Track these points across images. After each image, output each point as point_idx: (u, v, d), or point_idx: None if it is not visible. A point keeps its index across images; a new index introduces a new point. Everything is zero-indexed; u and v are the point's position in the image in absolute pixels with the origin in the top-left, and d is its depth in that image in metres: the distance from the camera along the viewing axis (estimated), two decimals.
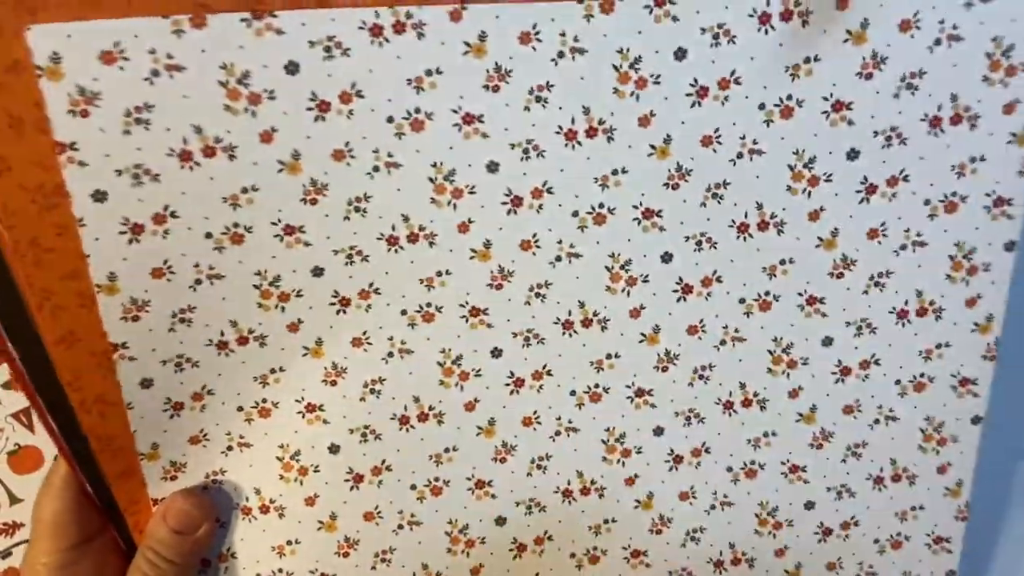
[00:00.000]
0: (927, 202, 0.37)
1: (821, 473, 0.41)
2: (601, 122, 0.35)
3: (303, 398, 0.38)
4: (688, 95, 0.34)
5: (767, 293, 0.37)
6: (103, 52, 0.31)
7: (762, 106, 0.35)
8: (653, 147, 0.35)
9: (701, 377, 0.39)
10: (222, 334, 0.36)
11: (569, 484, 0.40)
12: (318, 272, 0.36)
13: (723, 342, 0.38)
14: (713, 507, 0.41)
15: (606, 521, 0.41)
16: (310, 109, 0.33)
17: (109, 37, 0.30)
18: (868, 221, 0.37)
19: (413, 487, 0.40)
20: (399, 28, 0.32)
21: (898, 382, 0.40)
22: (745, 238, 0.36)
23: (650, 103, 0.34)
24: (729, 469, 0.41)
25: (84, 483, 0.37)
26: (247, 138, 0.33)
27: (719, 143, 0.35)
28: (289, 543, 0.40)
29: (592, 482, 0.40)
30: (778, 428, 0.40)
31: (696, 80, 0.34)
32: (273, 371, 0.37)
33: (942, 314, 0.38)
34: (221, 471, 0.39)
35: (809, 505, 0.42)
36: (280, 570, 0.40)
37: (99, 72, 0.31)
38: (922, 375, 0.40)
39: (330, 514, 0.40)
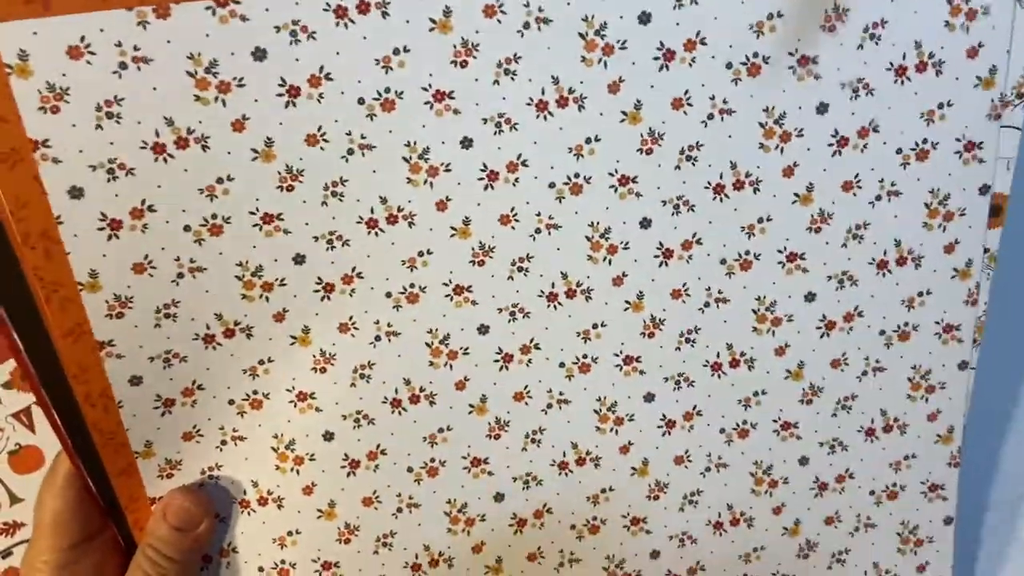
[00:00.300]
0: (899, 151, 0.37)
1: (812, 428, 0.41)
2: (571, 91, 0.35)
3: (294, 387, 0.38)
4: (655, 59, 0.35)
5: (747, 252, 0.38)
6: (70, 47, 0.31)
7: (729, 65, 0.35)
8: (624, 113, 0.35)
9: (688, 340, 0.39)
10: (208, 327, 0.36)
11: (564, 456, 0.40)
12: (300, 259, 0.36)
13: (707, 304, 0.38)
14: (708, 469, 0.41)
15: (603, 490, 0.41)
16: (280, 95, 0.33)
17: (75, 32, 0.30)
18: (842, 174, 0.37)
19: (410, 469, 0.39)
20: (363, 8, 0.32)
21: (882, 332, 0.40)
22: (721, 199, 0.37)
23: (618, 69, 0.34)
24: (722, 431, 0.41)
25: (87, 480, 0.36)
26: (219, 128, 0.33)
27: (689, 105, 0.35)
28: (290, 533, 0.40)
29: (587, 452, 0.40)
30: (767, 386, 0.40)
31: (662, 43, 0.34)
32: (262, 362, 0.37)
33: (921, 262, 0.39)
34: (217, 466, 0.39)
35: (803, 461, 0.42)
36: (282, 561, 0.40)
37: (67, 67, 0.31)
38: (906, 324, 0.40)
39: (328, 502, 0.39)
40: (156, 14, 0.31)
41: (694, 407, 0.40)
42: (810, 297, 0.39)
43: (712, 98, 0.35)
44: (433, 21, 0.33)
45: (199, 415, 0.37)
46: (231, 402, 0.38)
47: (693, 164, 0.36)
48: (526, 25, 0.33)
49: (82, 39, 0.31)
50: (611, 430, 0.40)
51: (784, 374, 0.40)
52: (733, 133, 0.36)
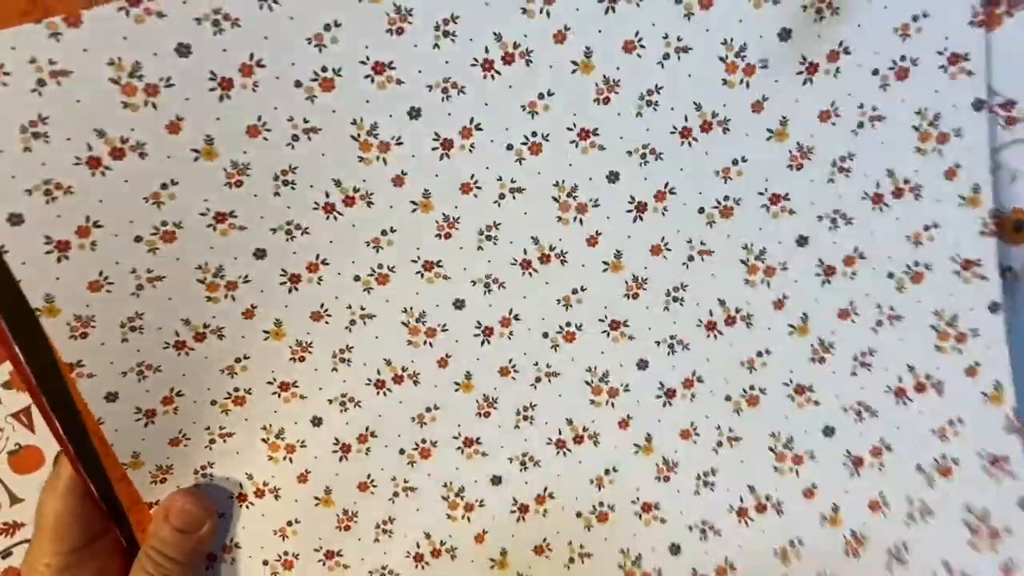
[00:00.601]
0: (875, 72, 0.34)
1: (831, 392, 0.38)
2: (516, 46, 0.33)
3: (275, 379, 0.37)
4: (600, 2, 0.32)
5: (726, 198, 0.36)
6: None
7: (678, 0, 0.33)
8: (575, 63, 0.33)
9: (675, 299, 0.37)
10: (177, 334, 0.35)
11: (560, 433, 0.39)
12: (260, 254, 0.35)
13: (690, 258, 0.37)
14: (720, 444, 0.39)
15: (607, 471, 0.39)
16: (212, 90, 0.31)
17: None
18: (817, 103, 0.34)
19: (402, 451, 0.39)
20: None
21: (891, 275, 0.37)
22: (690, 143, 0.35)
23: (562, 18, 0.32)
24: (728, 398, 0.38)
25: (88, 485, 0.36)
26: (154, 132, 0.31)
27: (642, 47, 0.33)
28: (290, 524, 0.39)
29: (584, 429, 0.39)
30: (771, 345, 0.38)
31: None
32: (238, 360, 0.36)
33: (921, 191, 0.36)
34: (209, 464, 0.38)
35: (828, 431, 0.38)
36: (286, 552, 0.40)
37: None
38: (916, 263, 0.37)
39: (324, 488, 0.39)
40: (67, 23, 0.29)
41: (693, 373, 0.38)
42: (802, 241, 0.36)
43: (665, 37, 0.33)
44: None
45: (183, 420, 0.37)
46: (213, 403, 0.37)
47: (655, 109, 0.34)
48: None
49: None
50: (606, 403, 0.38)
51: (788, 329, 0.37)
52: (693, 72, 0.34)
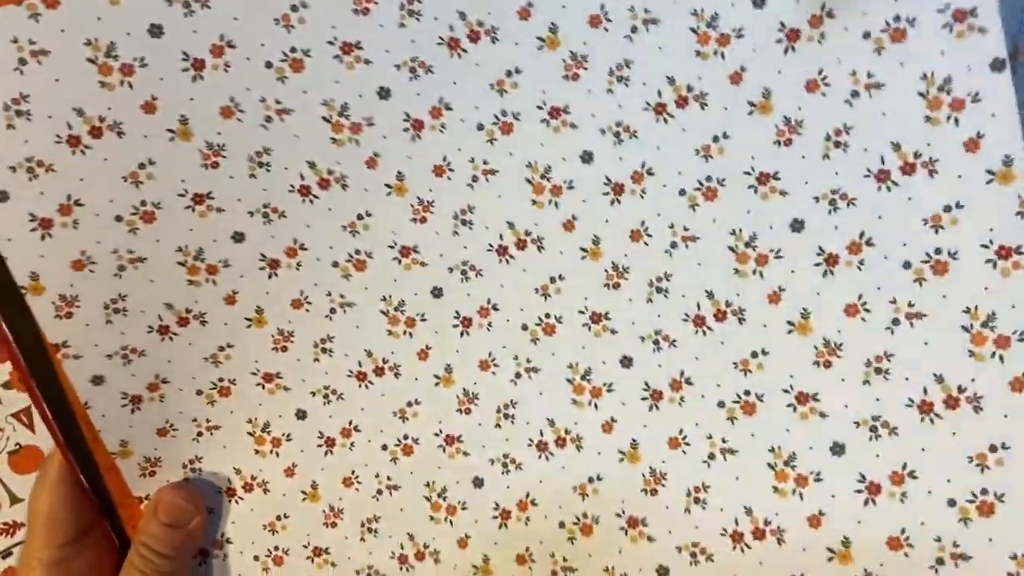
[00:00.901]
0: (867, 35, 0.31)
1: (840, 401, 0.33)
2: (480, 23, 0.32)
3: (258, 369, 0.37)
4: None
5: (708, 178, 0.33)
6: None
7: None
8: (541, 39, 0.32)
9: (659, 290, 0.35)
10: (160, 319, 0.36)
11: (542, 435, 0.36)
12: (239, 237, 0.35)
13: (673, 244, 0.34)
14: (712, 456, 0.35)
15: (591, 479, 0.36)
16: (185, 70, 0.32)
17: None
18: (802, 72, 0.32)
19: (384, 447, 0.37)
20: None
21: (907, 265, 0.32)
22: (666, 119, 0.33)
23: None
24: (721, 404, 0.34)
25: (79, 476, 0.36)
26: (130, 111, 0.32)
27: (609, 20, 0.32)
28: (279, 518, 0.38)
29: (566, 431, 0.36)
30: (767, 344, 0.34)
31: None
32: (222, 348, 0.36)
33: (937, 167, 0.31)
34: (197, 458, 0.38)
35: (837, 449, 0.33)
36: (275, 548, 0.39)
37: None
38: (938, 251, 0.31)
39: (311, 483, 0.38)
40: (46, 4, 0.31)
41: (681, 373, 0.34)
42: (797, 226, 0.33)
43: (631, 9, 0.32)
44: None
45: (169, 409, 0.37)
46: (199, 392, 0.37)
47: (626, 84, 0.32)
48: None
49: None
50: (590, 403, 0.36)
51: (786, 328, 0.33)
52: (664, 44, 0.32)
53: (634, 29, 0.31)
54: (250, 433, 0.37)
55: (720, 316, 0.34)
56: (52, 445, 0.36)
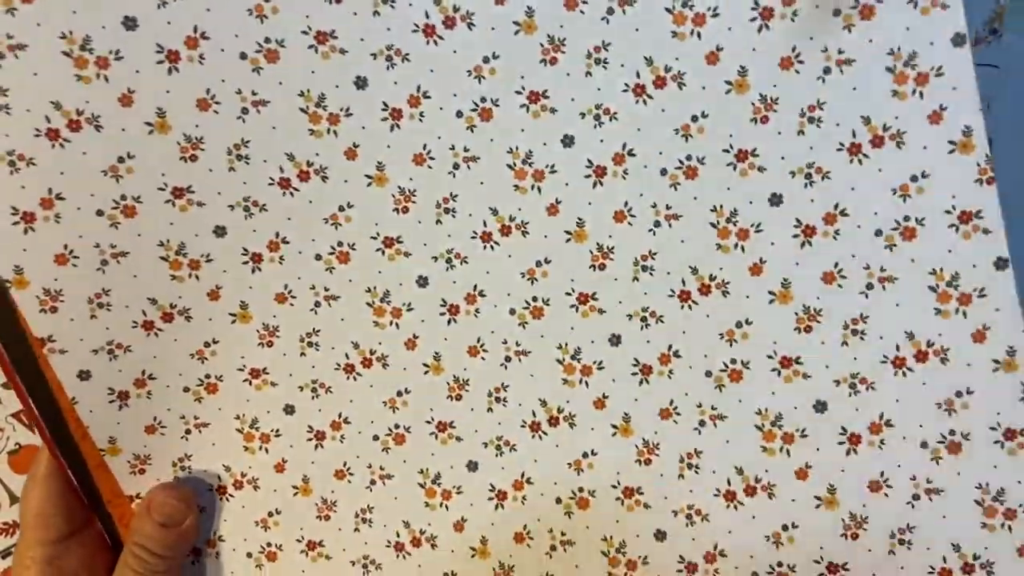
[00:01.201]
0: (837, 13, 0.32)
1: (821, 363, 0.34)
2: (456, 9, 0.32)
3: (245, 365, 0.36)
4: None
5: (688, 158, 0.33)
6: None
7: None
8: (518, 23, 0.32)
9: (644, 268, 0.35)
10: (145, 314, 0.35)
11: (534, 415, 0.36)
12: (220, 232, 0.35)
13: (656, 223, 0.34)
14: (702, 423, 0.35)
15: (585, 455, 0.36)
16: (160, 62, 0.32)
17: None
18: (776, 49, 0.32)
19: (376, 438, 0.37)
20: None
21: (879, 232, 0.33)
22: (644, 100, 0.33)
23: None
24: (708, 374, 0.35)
25: (67, 471, 0.36)
26: (106, 104, 0.32)
27: (585, 3, 0.32)
28: (271, 514, 0.38)
29: (559, 410, 0.36)
30: (751, 314, 0.34)
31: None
32: (207, 344, 0.36)
33: (904, 138, 0.32)
34: (186, 456, 0.38)
35: (820, 406, 0.34)
36: (269, 544, 0.38)
37: None
38: (906, 219, 0.32)
39: (302, 477, 0.37)
40: None
41: (669, 347, 0.35)
42: (775, 199, 0.33)
43: None
44: None
45: (156, 406, 0.36)
46: (186, 389, 0.36)
47: (604, 67, 0.32)
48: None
49: None
50: (580, 381, 0.36)
51: (768, 297, 0.34)
52: (640, 24, 0.32)
53: (610, 11, 0.31)
54: (239, 430, 0.37)
55: (704, 290, 0.34)
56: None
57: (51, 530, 0.36)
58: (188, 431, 0.37)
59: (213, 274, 0.35)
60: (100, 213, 0.33)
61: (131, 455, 0.36)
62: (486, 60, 0.32)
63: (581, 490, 0.36)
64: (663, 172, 0.33)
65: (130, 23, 0.31)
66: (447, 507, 0.37)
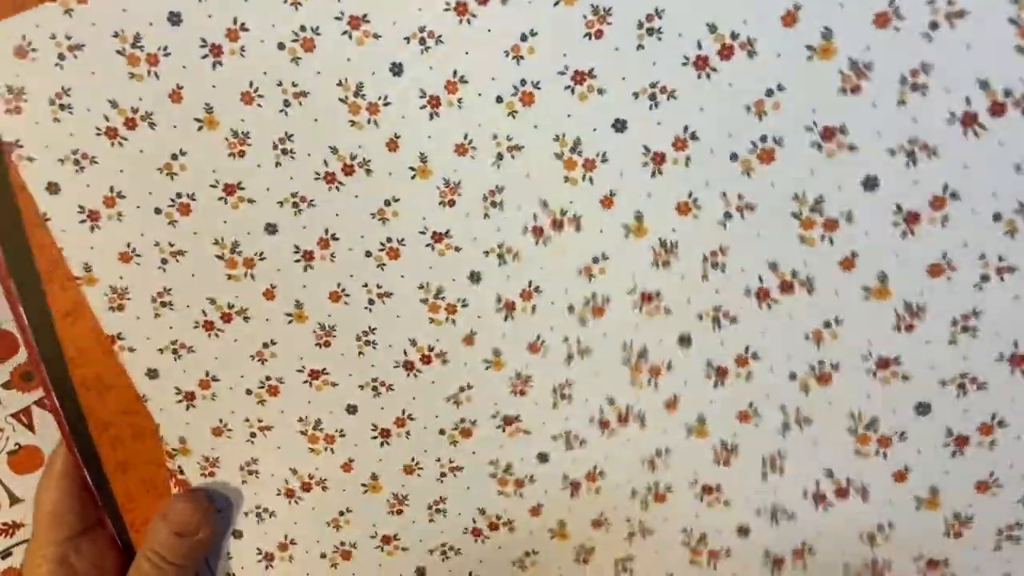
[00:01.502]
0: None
1: (924, 364, 0.29)
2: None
3: (304, 367, 0.35)
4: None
5: (763, 139, 0.28)
6: (16, 48, 0.32)
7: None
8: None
9: (714, 265, 0.30)
10: (205, 314, 0.35)
11: (603, 413, 0.33)
12: (271, 229, 0.34)
13: (727, 215, 0.29)
14: (787, 426, 0.31)
15: (659, 453, 0.33)
16: (205, 56, 0.32)
17: (16, 33, 0.32)
18: (868, 3, 0.26)
19: (442, 432, 0.35)
20: None
21: (997, 217, 0.27)
22: (708, 74, 0.28)
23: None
24: (793, 376, 0.30)
25: (83, 471, 0.36)
26: (159, 102, 0.32)
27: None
28: (341, 513, 0.37)
29: (628, 408, 0.32)
30: (841, 312, 0.29)
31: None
32: (266, 345, 0.35)
33: None
34: (253, 460, 0.37)
35: (922, 408, 0.29)
36: (342, 543, 0.37)
37: (18, 68, 0.32)
38: None
39: (371, 475, 0.36)
40: (77, 0, 0.32)
41: (747, 349, 0.30)
42: (870, 183, 0.28)
43: None
44: None
45: (222, 408, 0.36)
46: (248, 392, 0.36)
47: (658, 39, 0.28)
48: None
49: (23, 38, 0.32)
50: (649, 382, 0.32)
51: (861, 294, 0.29)
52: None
53: None
54: (302, 432, 0.36)
55: (786, 287, 0.29)
56: (55, 442, 0.36)
57: (64, 529, 0.36)
58: (253, 434, 0.36)
59: (267, 273, 0.34)
60: (158, 211, 0.33)
61: (200, 457, 0.36)
62: (524, 38, 0.29)
63: (657, 485, 0.33)
64: (733, 157, 0.28)
65: (175, 18, 0.31)
66: (522, 495, 0.35)
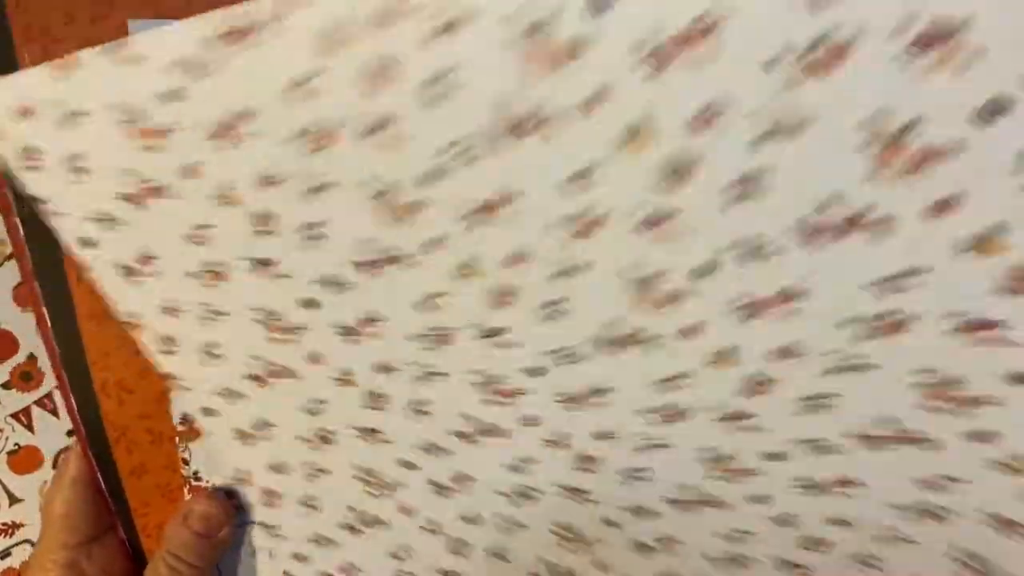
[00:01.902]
0: None
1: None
2: None
3: (355, 424, 0.33)
4: None
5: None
6: (20, 107, 0.28)
7: None
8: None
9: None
10: (249, 367, 0.33)
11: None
12: (311, 304, 0.30)
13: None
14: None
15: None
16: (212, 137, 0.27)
17: (19, 93, 0.28)
18: None
19: (502, 493, 0.33)
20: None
21: None
22: None
23: None
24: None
25: (97, 476, 0.35)
26: (174, 176, 0.28)
27: None
28: (402, 547, 0.37)
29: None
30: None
31: None
32: (315, 401, 0.33)
33: None
34: (312, 497, 0.36)
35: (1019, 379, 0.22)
36: (401, 571, 0.37)
37: (27, 129, 0.28)
38: None
39: (428, 520, 0.35)
40: (71, 67, 0.27)
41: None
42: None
43: None
44: None
45: (278, 451, 0.35)
46: (300, 438, 0.34)
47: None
48: None
49: (24, 98, 0.28)
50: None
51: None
52: None
53: None
54: (357, 478, 0.35)
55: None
56: (57, 448, 0.36)
57: (76, 534, 0.35)
58: (310, 475, 0.35)
59: (310, 340, 0.31)
60: (190, 275, 0.30)
61: (260, 490, 0.36)
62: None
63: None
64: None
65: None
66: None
